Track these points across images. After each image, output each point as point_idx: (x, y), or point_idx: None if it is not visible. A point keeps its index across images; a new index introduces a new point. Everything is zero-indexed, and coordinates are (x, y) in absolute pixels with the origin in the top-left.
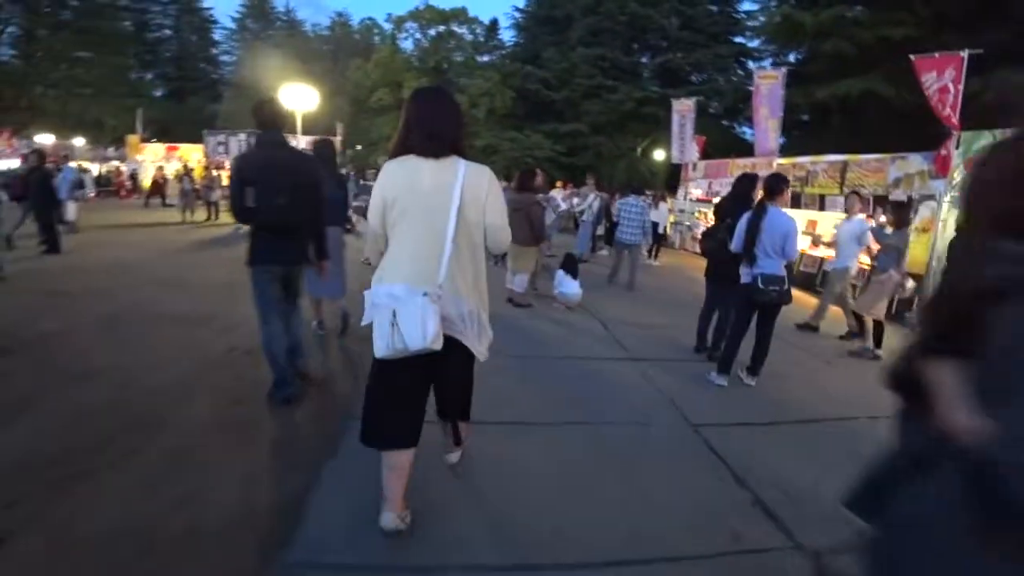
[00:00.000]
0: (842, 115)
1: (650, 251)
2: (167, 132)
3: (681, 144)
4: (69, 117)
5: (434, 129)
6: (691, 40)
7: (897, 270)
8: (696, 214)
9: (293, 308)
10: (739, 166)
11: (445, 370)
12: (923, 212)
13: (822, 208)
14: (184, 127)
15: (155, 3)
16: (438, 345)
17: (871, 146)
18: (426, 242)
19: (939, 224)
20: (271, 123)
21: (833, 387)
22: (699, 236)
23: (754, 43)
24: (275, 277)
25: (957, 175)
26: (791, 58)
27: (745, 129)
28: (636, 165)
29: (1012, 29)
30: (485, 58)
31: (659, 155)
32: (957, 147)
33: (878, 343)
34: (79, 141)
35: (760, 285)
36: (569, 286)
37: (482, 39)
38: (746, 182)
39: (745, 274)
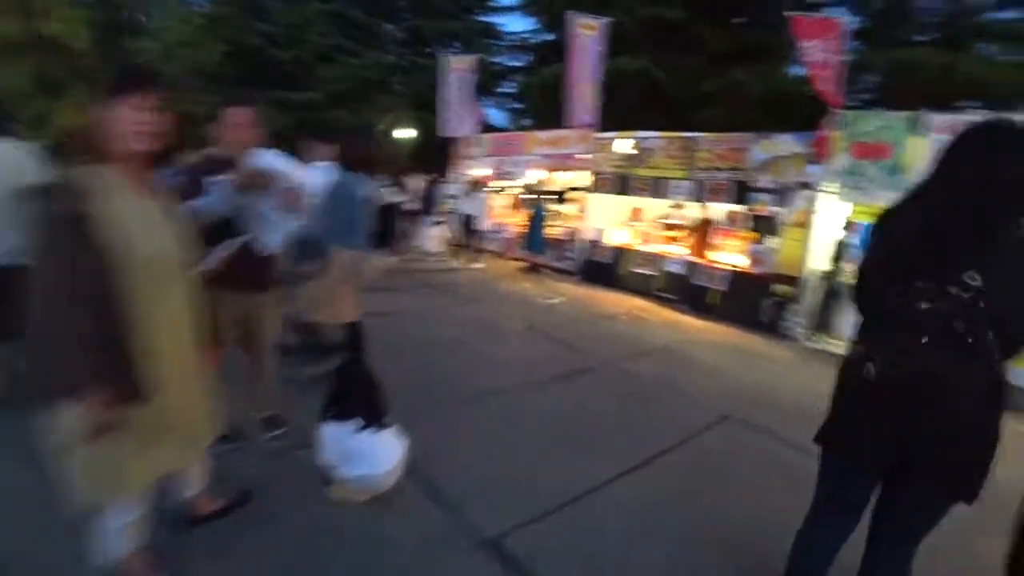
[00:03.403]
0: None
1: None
2: None
3: (457, 112)
4: None
5: None
6: (442, 8)
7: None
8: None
9: None
10: (540, 140)
11: None
12: (798, 203)
13: (658, 195)
14: None
15: None
16: None
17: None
18: None
19: (814, 217)
20: None
21: None
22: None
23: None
24: None
25: (842, 160)
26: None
27: (490, 110)
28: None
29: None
30: None
31: (399, 134)
32: (842, 128)
33: None
34: None
35: None
36: (368, 461)
37: None
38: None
39: None
